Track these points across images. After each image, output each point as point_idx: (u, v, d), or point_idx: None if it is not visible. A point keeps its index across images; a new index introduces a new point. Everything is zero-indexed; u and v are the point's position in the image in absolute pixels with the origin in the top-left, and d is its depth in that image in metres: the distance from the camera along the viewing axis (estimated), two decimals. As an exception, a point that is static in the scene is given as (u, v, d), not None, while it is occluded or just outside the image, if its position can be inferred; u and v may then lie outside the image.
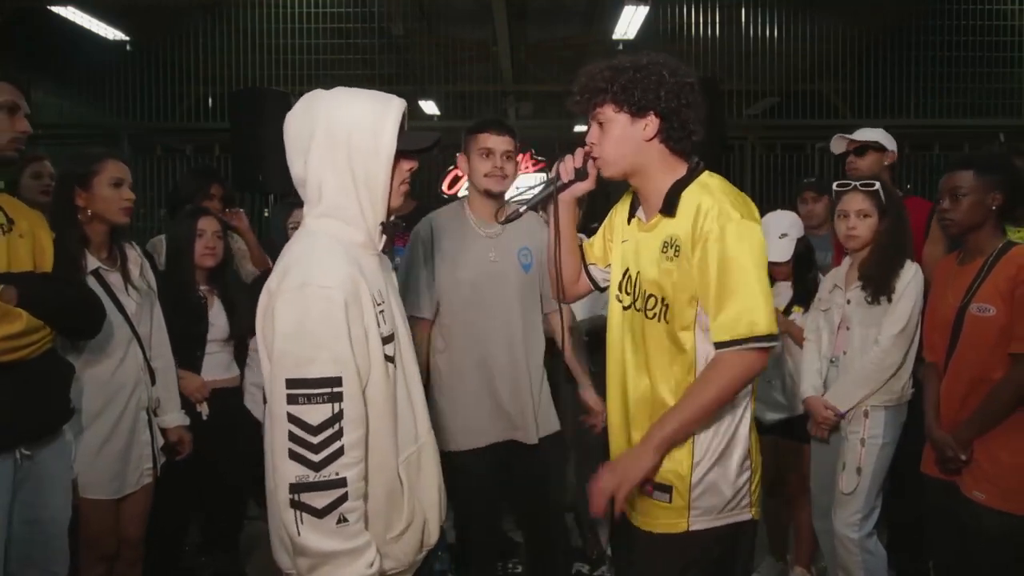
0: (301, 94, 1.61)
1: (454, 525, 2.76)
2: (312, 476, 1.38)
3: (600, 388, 2.70)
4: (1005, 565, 2.20)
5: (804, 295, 3.03)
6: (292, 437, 1.39)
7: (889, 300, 2.55)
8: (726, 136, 6.06)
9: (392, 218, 1.60)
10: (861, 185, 2.65)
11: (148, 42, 7.68)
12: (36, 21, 6.88)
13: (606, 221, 1.97)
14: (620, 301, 1.85)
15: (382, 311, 1.51)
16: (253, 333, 3.09)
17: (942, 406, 2.36)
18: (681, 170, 1.74)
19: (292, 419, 1.39)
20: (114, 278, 2.45)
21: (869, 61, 7.57)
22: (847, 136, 3.17)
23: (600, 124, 1.74)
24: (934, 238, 2.88)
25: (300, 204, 3.25)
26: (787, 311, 3.04)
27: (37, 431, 2.04)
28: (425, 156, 1.63)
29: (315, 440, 1.39)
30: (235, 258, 3.48)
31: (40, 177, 3.17)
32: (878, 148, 3.11)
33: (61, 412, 2.12)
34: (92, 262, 2.38)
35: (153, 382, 2.56)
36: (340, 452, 1.40)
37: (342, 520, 1.40)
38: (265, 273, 3.51)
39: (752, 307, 1.61)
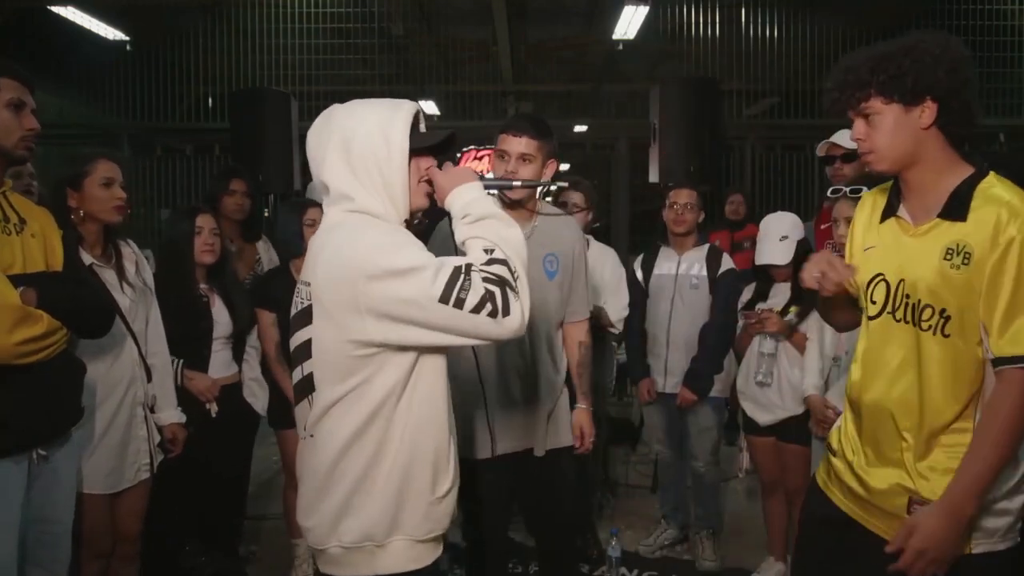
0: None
1: (460, 526, 2.76)
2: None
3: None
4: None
5: (802, 295, 3.03)
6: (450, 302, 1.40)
7: None
8: (726, 136, 6.06)
9: (416, 219, 1.64)
10: (851, 192, 2.65)
11: (148, 42, 7.67)
12: (36, 21, 6.88)
13: (847, 250, 1.86)
14: (870, 307, 1.74)
15: None
16: (251, 328, 3.14)
17: None
18: (963, 168, 1.63)
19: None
20: (108, 275, 2.46)
21: (869, 61, 7.56)
22: (832, 142, 3.15)
23: (866, 118, 1.64)
24: None
25: (312, 203, 3.28)
26: (784, 311, 3.05)
27: (52, 431, 2.05)
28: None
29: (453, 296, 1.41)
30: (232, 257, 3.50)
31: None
32: None
33: (74, 412, 2.14)
34: (85, 259, 2.40)
35: (149, 379, 2.57)
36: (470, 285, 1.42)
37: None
38: (271, 271, 3.52)
39: None
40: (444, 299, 1.39)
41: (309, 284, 1.54)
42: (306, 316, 1.55)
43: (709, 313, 3.45)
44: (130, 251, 2.58)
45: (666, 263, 3.58)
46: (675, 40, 7.36)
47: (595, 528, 3.74)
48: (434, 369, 1.55)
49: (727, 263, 3.50)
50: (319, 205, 3.25)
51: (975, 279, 1.55)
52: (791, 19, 7.46)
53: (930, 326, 1.62)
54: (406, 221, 1.59)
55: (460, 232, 1.53)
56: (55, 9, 6.67)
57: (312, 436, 1.57)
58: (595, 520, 3.82)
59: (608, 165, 9.20)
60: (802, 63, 7.39)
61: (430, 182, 1.61)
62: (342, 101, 1.63)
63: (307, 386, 1.57)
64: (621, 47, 7.55)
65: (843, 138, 3.20)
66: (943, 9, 7.30)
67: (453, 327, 1.42)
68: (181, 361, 2.87)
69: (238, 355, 3.13)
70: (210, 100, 7.72)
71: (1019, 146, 7.22)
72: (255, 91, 5.94)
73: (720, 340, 3.41)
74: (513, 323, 1.42)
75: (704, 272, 3.48)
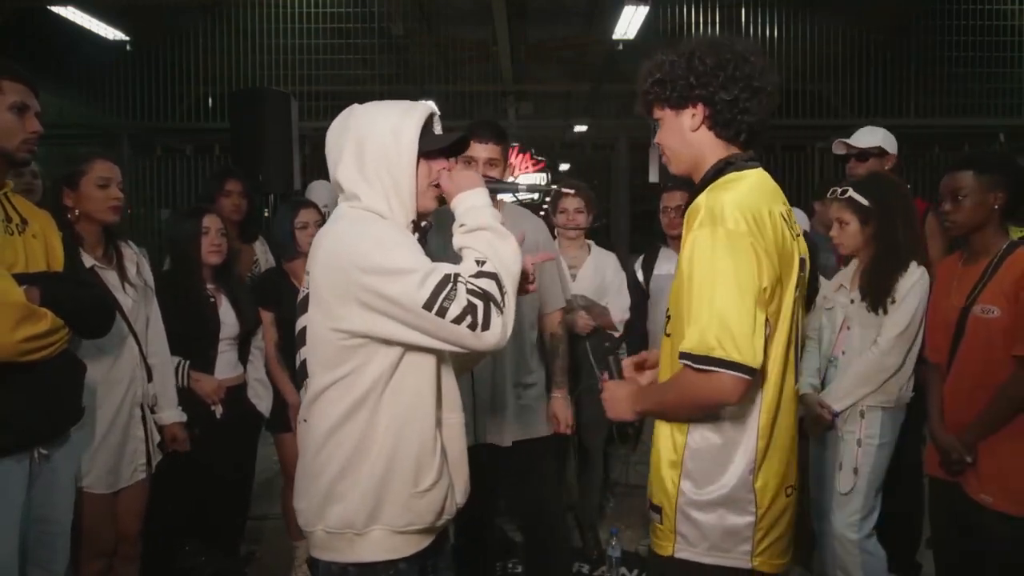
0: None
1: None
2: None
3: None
4: (1014, 567, 2.19)
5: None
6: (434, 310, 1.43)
7: (885, 311, 2.54)
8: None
9: (425, 221, 1.67)
10: (840, 193, 2.66)
11: (148, 42, 7.67)
12: (36, 21, 6.88)
13: None
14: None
15: None
16: (256, 329, 3.14)
17: (946, 407, 2.36)
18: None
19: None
20: (110, 276, 2.47)
21: (869, 61, 7.57)
22: (846, 141, 3.19)
23: (660, 123, 1.70)
24: (930, 239, 2.87)
25: (305, 204, 3.28)
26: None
27: (53, 431, 2.06)
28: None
29: (438, 303, 1.44)
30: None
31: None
32: (879, 153, 3.13)
33: (74, 412, 2.14)
34: (87, 260, 2.41)
35: (150, 379, 2.58)
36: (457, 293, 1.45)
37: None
38: (269, 271, 3.52)
39: (700, 323, 1.48)
40: (428, 306, 1.43)
41: (309, 273, 1.59)
42: (305, 304, 1.59)
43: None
44: (131, 252, 2.59)
45: (666, 264, 3.58)
46: (675, 40, 7.35)
47: (595, 528, 3.74)
48: (421, 365, 1.58)
49: (726, 263, 3.49)
50: (314, 206, 3.26)
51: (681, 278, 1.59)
52: (791, 19, 7.47)
53: (663, 326, 1.69)
54: (413, 222, 1.62)
55: (456, 240, 1.57)
56: (55, 9, 6.67)
57: (306, 421, 1.62)
58: (595, 520, 3.82)
59: (608, 165, 9.21)
60: (802, 63, 7.40)
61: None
62: (342, 101, 1.64)
63: (303, 372, 1.62)
64: (621, 47, 7.54)
65: (855, 138, 3.21)
66: (943, 9, 7.31)
67: (433, 332, 1.46)
68: (187, 363, 2.86)
69: (243, 356, 3.13)
70: (210, 100, 7.73)
71: (1019, 146, 7.23)
72: (255, 91, 5.93)
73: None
74: (491, 338, 1.45)
75: (703, 272, 3.48)
